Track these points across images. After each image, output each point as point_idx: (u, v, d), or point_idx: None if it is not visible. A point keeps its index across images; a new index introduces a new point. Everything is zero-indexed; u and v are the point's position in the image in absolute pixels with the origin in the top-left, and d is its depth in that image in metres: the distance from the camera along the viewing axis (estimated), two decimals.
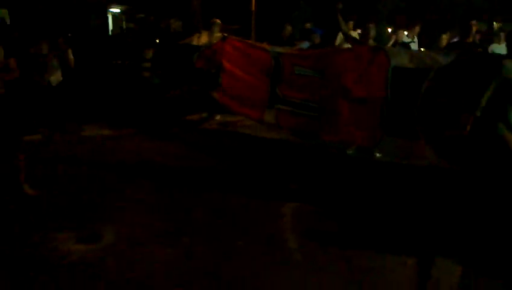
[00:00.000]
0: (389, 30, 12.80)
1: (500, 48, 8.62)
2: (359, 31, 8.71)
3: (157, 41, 8.89)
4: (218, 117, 7.95)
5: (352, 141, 5.39)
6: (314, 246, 3.49)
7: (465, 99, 4.21)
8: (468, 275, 3.11)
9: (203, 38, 7.79)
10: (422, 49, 8.02)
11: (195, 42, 7.94)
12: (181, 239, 3.58)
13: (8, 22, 12.42)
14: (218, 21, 7.91)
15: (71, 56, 7.36)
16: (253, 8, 12.05)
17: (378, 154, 5.54)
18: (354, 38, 6.71)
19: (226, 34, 7.40)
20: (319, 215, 4.08)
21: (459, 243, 3.53)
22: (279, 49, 6.20)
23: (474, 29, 4.96)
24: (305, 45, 7.77)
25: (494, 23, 13.96)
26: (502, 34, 9.17)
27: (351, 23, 9.07)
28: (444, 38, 8.13)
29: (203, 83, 7.13)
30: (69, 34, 8.82)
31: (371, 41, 6.14)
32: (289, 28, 8.28)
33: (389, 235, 3.70)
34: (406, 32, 9.07)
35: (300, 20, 12.84)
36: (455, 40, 7.97)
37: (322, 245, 3.50)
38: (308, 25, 9.07)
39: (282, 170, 5.37)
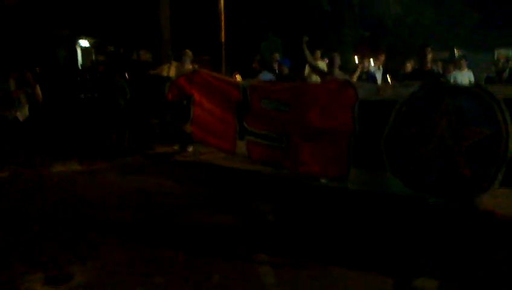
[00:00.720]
0: (356, 58, 13.19)
1: (461, 75, 8.99)
2: (327, 60, 8.93)
3: (126, 74, 8.87)
4: (190, 149, 7.92)
5: (320, 173, 5.48)
6: (292, 280, 3.46)
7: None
8: None
9: (173, 70, 7.81)
10: (388, 77, 8.25)
11: (165, 73, 7.96)
12: (154, 279, 3.49)
13: None
14: (189, 52, 7.97)
15: (39, 91, 7.26)
16: (223, 38, 12.22)
17: (349, 185, 5.65)
18: (320, 69, 6.89)
19: (196, 66, 7.48)
20: (296, 247, 4.05)
21: (434, 264, 3.57)
22: (246, 83, 6.35)
23: (429, 56, 5.15)
24: (266, 76, 7.90)
25: (456, 50, 14.59)
26: (463, 62, 9.60)
27: (318, 53, 9.31)
28: (409, 66, 8.43)
29: (174, 114, 7.16)
30: (37, 69, 8.73)
31: (337, 70, 6.30)
32: (256, 64, 8.44)
33: (367, 260, 3.71)
34: (371, 61, 9.36)
35: (269, 50, 13.12)
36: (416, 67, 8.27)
37: (299, 280, 3.47)
38: (276, 56, 9.24)
39: (258, 200, 5.35)
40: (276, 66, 8.30)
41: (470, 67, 9.61)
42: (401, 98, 4.60)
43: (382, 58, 9.20)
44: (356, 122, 4.91)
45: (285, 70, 7.24)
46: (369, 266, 3.60)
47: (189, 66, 7.62)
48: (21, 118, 7.02)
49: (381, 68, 9.53)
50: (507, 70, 8.64)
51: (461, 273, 3.49)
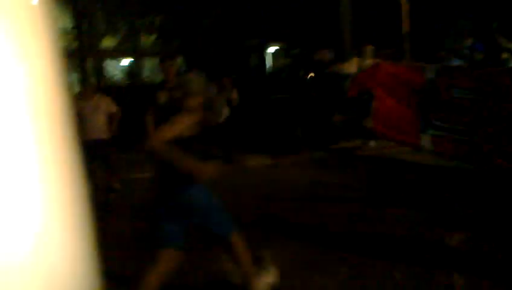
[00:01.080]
0: None
1: None
2: None
3: (312, 74, 9.34)
4: (372, 144, 7.93)
5: None
6: None
7: None
8: None
9: (354, 66, 7.92)
10: None
11: (346, 70, 8.13)
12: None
13: (184, 68, 14.43)
14: (370, 46, 7.98)
15: (235, 96, 8.19)
16: (407, 29, 11.77)
17: None
18: None
19: (378, 60, 7.44)
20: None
21: None
22: (433, 69, 5.97)
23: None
24: (454, 62, 7.37)
25: None
26: None
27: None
28: None
29: (356, 110, 7.27)
30: (233, 75, 9.85)
31: None
32: (442, 53, 7.99)
33: None
34: None
35: (459, 36, 12.08)
36: None
37: None
38: (469, 41, 8.58)
39: (448, 196, 5.12)
40: (467, 51, 7.75)
41: None
42: None
43: None
44: None
45: (478, 56, 6.70)
46: None
47: (369, 61, 7.63)
48: (220, 120, 8.03)
49: None
50: None
51: None
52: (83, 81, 15.13)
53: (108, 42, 21.22)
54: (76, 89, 11.58)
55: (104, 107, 5.88)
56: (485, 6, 12.75)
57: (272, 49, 20.83)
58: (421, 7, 13.20)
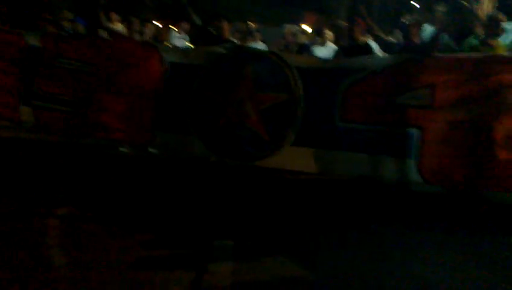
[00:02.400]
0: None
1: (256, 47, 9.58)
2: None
3: None
4: None
5: (123, 139, 5.14)
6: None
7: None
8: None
9: None
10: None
11: None
12: None
13: None
14: None
15: None
16: None
17: (152, 150, 5.47)
18: (118, 32, 6.40)
19: None
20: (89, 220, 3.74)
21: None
22: (36, 35, 5.39)
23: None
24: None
25: (251, 23, 15.48)
26: (257, 34, 10.24)
27: (113, 15, 8.69)
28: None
29: None
30: None
31: (136, 35, 5.97)
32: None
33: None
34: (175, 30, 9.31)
35: (57, 8, 11.70)
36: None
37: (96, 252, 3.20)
38: (69, 15, 8.28)
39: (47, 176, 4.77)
40: (69, 25, 7.47)
41: (262, 40, 10.33)
42: (207, 62, 4.59)
43: (186, 26, 9.32)
44: (162, 85, 4.71)
45: (81, 30, 6.57)
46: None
47: None
48: None
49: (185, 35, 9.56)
50: (293, 44, 9.52)
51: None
52: None
53: None
54: None
55: None
56: None
57: None
58: None
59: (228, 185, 4.67)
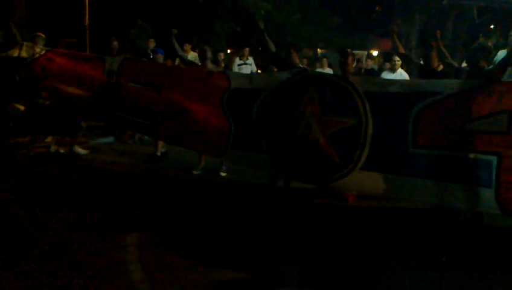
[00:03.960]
0: (228, 52, 13.38)
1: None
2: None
3: None
4: (48, 139, 7.21)
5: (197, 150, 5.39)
6: (161, 277, 3.30)
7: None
8: None
9: (25, 51, 6.89)
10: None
11: (16, 55, 7.04)
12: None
13: None
14: (42, 35, 7.22)
15: None
16: (87, 22, 11.42)
17: (223, 174, 5.64)
18: (191, 61, 6.74)
19: (49, 49, 6.75)
20: (164, 244, 3.89)
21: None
22: (114, 61, 5.84)
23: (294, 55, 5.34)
24: None
25: (318, 49, 15.65)
26: (325, 60, 10.34)
27: (187, 46, 9.16)
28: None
29: (30, 101, 6.40)
30: None
31: (209, 63, 6.23)
32: (115, 43, 7.97)
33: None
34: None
35: (139, 37, 12.55)
36: None
37: (169, 276, 3.32)
38: (152, 42, 8.86)
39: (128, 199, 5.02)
40: (150, 53, 8.01)
41: (330, 65, 10.39)
42: (274, 86, 4.69)
43: (246, 52, 9.83)
44: (225, 110, 4.91)
45: (160, 59, 6.99)
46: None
47: (39, 49, 6.80)
48: None
49: (250, 60, 9.94)
50: (362, 69, 9.46)
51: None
52: None
53: None
54: None
55: None
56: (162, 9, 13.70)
57: None
58: (103, 2, 13.10)
59: (292, 209, 4.69)
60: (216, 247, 3.81)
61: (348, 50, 4.96)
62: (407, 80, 4.74)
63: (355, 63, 7.04)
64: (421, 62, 5.48)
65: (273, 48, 5.39)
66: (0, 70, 6.98)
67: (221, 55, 7.21)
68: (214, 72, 5.41)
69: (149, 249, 3.69)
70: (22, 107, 6.97)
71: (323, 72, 7.31)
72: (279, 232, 4.16)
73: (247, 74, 6.90)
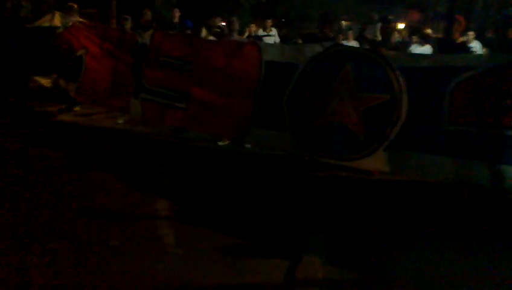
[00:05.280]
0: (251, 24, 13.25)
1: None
2: (223, 23, 8.89)
3: None
4: (77, 108, 7.38)
5: (222, 133, 5.44)
6: (192, 241, 3.43)
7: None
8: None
9: (57, 21, 6.95)
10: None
11: (47, 24, 7.12)
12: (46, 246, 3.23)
13: None
14: (75, 5, 7.29)
15: None
16: None
17: (248, 146, 5.74)
18: (219, 32, 6.76)
19: (81, 20, 6.83)
20: (194, 212, 4.01)
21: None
22: (146, 36, 5.95)
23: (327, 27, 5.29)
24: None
25: (343, 22, 15.34)
26: (350, 33, 10.17)
27: (216, 19, 9.14)
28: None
29: (63, 71, 6.52)
30: None
31: (235, 34, 6.26)
32: (148, 14, 8.01)
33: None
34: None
35: (165, 8, 12.53)
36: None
37: (199, 240, 3.46)
38: (177, 11, 8.85)
39: (151, 166, 5.15)
40: (176, 21, 8.10)
41: (355, 38, 10.21)
42: (304, 61, 4.67)
43: (269, 24, 9.79)
44: (260, 82, 4.92)
45: (187, 32, 7.05)
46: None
47: (74, 18, 6.90)
48: None
49: (274, 31, 9.88)
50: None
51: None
52: None
53: None
54: None
55: None
56: None
57: None
58: None
59: (319, 182, 4.76)
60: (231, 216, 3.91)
61: (390, 17, 4.89)
62: (443, 55, 4.59)
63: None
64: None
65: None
66: (30, 41, 7.09)
67: (236, 23, 6.69)
68: (246, 43, 5.41)
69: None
70: (46, 82, 7.07)
71: (358, 47, 7.21)
72: (301, 204, 4.23)
73: (278, 45, 6.87)
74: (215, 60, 5.28)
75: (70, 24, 6.50)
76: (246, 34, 8.81)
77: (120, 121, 6.82)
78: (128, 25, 7.00)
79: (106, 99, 6.17)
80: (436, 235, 3.69)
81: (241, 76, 5.07)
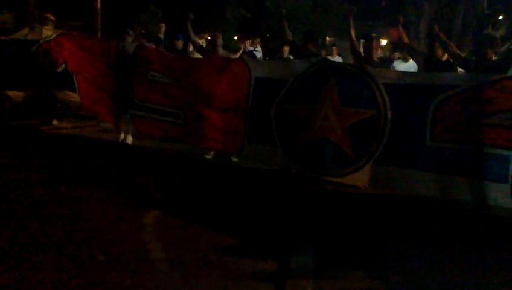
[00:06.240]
0: (235, 38, 13.37)
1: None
2: (208, 38, 8.98)
3: None
4: (55, 122, 7.36)
5: (221, 148, 5.43)
6: (180, 256, 3.42)
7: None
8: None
9: (36, 34, 6.85)
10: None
11: (28, 37, 7.02)
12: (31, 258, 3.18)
13: None
14: (51, 17, 7.23)
15: None
16: (99, 6, 11.44)
17: (234, 160, 5.74)
18: (205, 48, 6.78)
19: (60, 31, 6.78)
20: (182, 226, 4.00)
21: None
22: (130, 47, 5.96)
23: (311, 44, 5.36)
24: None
25: (327, 38, 15.60)
26: (334, 48, 10.36)
27: (205, 35, 9.28)
28: (286, 50, 8.82)
29: (46, 82, 6.45)
30: None
31: (220, 49, 6.28)
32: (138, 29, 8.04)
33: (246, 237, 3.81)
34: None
35: (150, 22, 12.57)
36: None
37: (187, 251, 3.45)
38: (163, 26, 8.85)
39: (142, 178, 5.16)
40: (161, 35, 8.14)
41: (339, 54, 10.40)
42: (291, 76, 4.73)
43: (257, 41, 10.04)
44: (250, 98, 4.96)
45: (179, 46, 7.04)
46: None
47: (50, 32, 6.79)
48: None
49: (258, 48, 10.07)
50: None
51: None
52: None
53: None
54: None
55: None
56: None
57: None
58: None
59: (305, 195, 4.79)
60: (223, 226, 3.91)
61: (373, 34, 4.98)
62: (427, 73, 4.71)
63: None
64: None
65: (290, 36, 5.44)
66: (5, 54, 6.92)
67: (219, 37, 6.68)
68: (233, 60, 5.47)
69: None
70: (16, 95, 6.84)
71: (344, 63, 7.34)
72: (290, 216, 4.24)
73: (264, 62, 6.99)
74: (204, 78, 5.30)
75: (46, 38, 6.45)
76: (242, 50, 9.09)
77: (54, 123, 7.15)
78: (130, 39, 7.04)
79: (98, 111, 6.23)
80: (421, 247, 3.74)
81: (232, 93, 5.11)
